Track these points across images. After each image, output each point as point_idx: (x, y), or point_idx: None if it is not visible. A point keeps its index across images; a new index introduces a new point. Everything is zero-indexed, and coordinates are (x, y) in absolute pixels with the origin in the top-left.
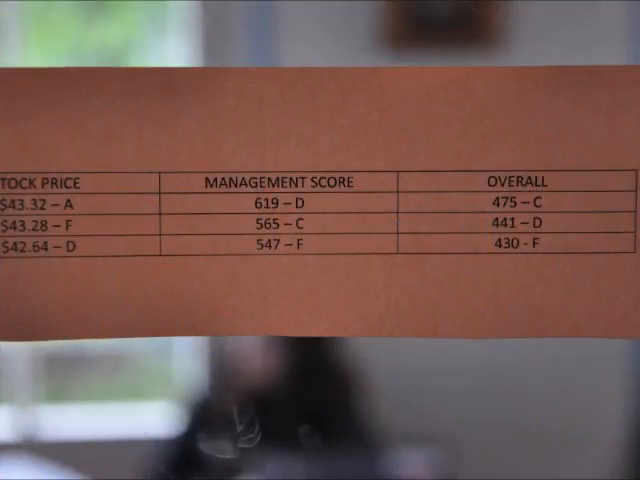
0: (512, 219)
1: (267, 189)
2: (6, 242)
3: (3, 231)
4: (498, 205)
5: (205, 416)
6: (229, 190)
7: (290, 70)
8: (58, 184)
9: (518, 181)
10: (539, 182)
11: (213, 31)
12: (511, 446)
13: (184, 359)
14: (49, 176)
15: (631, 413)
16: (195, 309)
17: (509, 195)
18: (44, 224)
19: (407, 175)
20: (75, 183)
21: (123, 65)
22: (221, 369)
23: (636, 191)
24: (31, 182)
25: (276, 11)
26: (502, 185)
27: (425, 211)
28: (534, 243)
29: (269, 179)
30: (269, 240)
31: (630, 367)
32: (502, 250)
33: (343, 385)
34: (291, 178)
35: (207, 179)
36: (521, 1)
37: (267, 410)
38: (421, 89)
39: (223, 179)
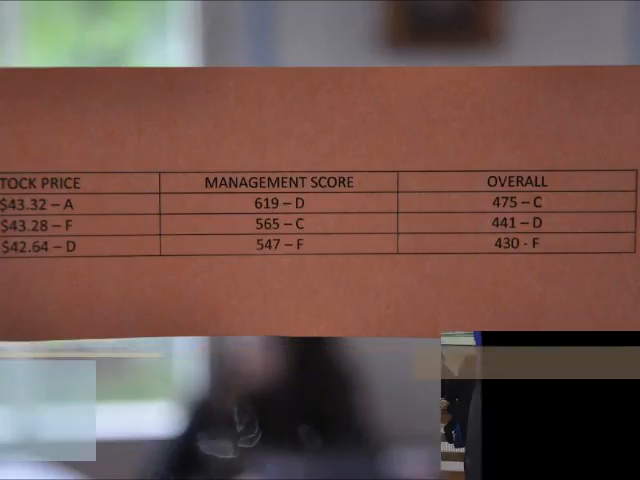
0: (512, 219)
1: (267, 189)
2: (6, 242)
3: (3, 231)
4: (498, 205)
5: (205, 416)
6: (229, 190)
7: (290, 70)
8: (58, 184)
9: (518, 181)
10: (539, 182)
11: (213, 31)
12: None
13: (184, 359)
14: (49, 176)
15: None
16: (195, 309)
17: (509, 195)
18: (44, 224)
19: (407, 175)
20: (75, 183)
21: (123, 65)
22: (221, 369)
23: (636, 191)
24: (31, 182)
25: (276, 11)
26: (502, 185)
27: (425, 211)
28: (534, 243)
29: (269, 179)
30: (269, 240)
31: None
32: (502, 250)
33: (343, 385)
34: (291, 178)
35: (207, 179)
36: (521, 1)
37: (267, 410)
38: (421, 89)
39: (223, 179)
